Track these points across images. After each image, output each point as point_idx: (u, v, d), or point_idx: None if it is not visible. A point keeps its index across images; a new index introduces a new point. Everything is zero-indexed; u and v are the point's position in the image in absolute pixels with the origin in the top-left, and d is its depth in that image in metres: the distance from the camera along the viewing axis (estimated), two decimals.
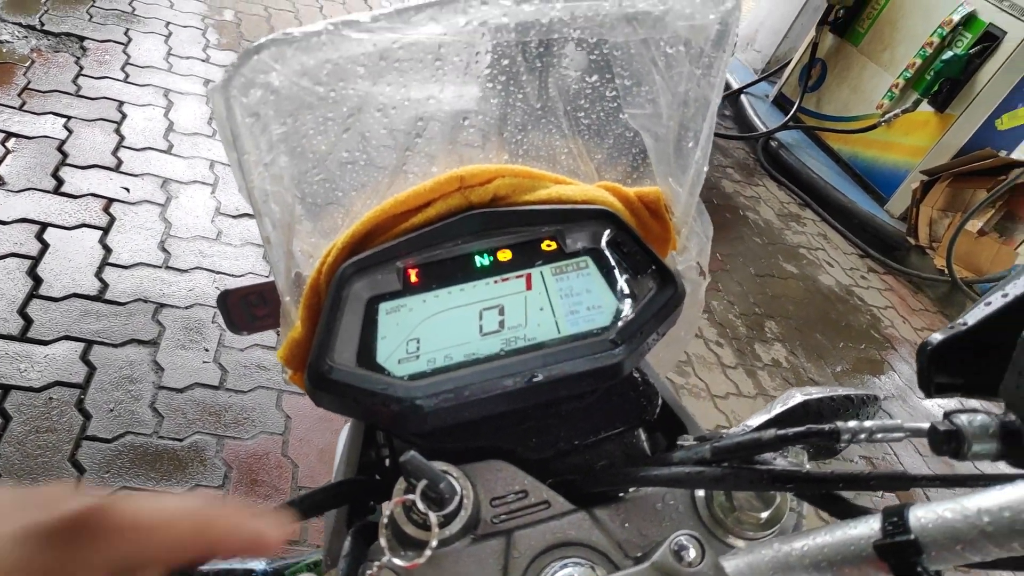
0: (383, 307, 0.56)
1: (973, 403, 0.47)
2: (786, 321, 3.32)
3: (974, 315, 0.46)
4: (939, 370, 0.47)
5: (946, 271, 3.79)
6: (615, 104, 0.61)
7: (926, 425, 0.45)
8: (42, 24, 3.16)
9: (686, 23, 0.56)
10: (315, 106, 0.52)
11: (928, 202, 4.01)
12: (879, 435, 0.46)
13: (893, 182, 4.28)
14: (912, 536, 0.39)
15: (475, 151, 0.64)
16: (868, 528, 0.42)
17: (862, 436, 0.46)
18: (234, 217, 2.62)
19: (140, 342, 2.06)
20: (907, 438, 0.46)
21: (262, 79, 0.46)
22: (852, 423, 0.46)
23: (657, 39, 0.55)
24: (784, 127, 4.71)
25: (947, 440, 0.43)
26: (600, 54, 0.58)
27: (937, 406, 3.13)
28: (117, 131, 2.77)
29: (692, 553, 0.44)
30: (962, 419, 0.43)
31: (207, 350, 2.12)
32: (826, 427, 0.46)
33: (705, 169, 0.59)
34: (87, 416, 1.83)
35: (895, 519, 0.41)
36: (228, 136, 0.47)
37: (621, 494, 0.55)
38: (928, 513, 0.40)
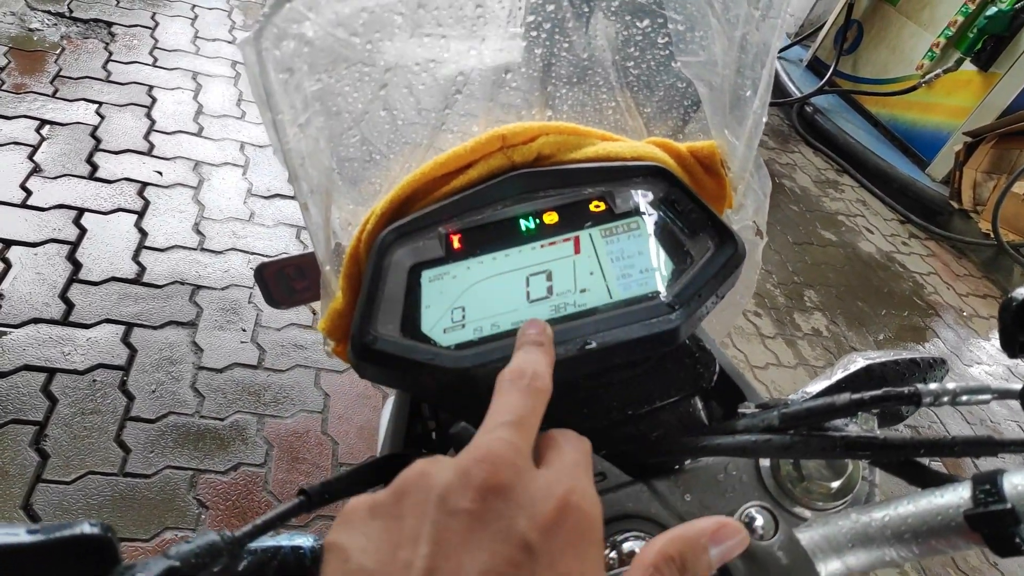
0: (426, 275, 0.54)
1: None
2: (826, 289, 3.25)
3: None
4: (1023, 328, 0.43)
5: (992, 235, 3.66)
6: (667, 52, 0.57)
7: (1018, 386, 0.41)
8: (70, 11, 3.17)
9: None
10: (351, 59, 0.49)
11: (972, 164, 3.87)
12: (964, 397, 0.43)
13: (935, 145, 4.15)
14: (1008, 505, 0.36)
15: (517, 108, 0.60)
16: (957, 497, 0.39)
17: (945, 399, 0.43)
18: (266, 198, 2.63)
19: (179, 324, 2.08)
20: (996, 400, 0.43)
21: (295, 29, 0.43)
22: (934, 385, 0.43)
23: None
24: (820, 91, 4.58)
25: None
26: None
27: (985, 373, 3.04)
28: (148, 115, 2.78)
29: (764, 525, 0.41)
30: None
31: (244, 330, 2.13)
32: (906, 390, 0.42)
33: (764, 120, 0.55)
34: (131, 397, 1.85)
35: (987, 487, 0.38)
36: (261, 94, 0.45)
37: (678, 465, 0.52)
38: None
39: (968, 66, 3.92)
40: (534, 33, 0.56)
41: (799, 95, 4.63)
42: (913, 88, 4.17)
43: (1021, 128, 3.66)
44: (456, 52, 0.54)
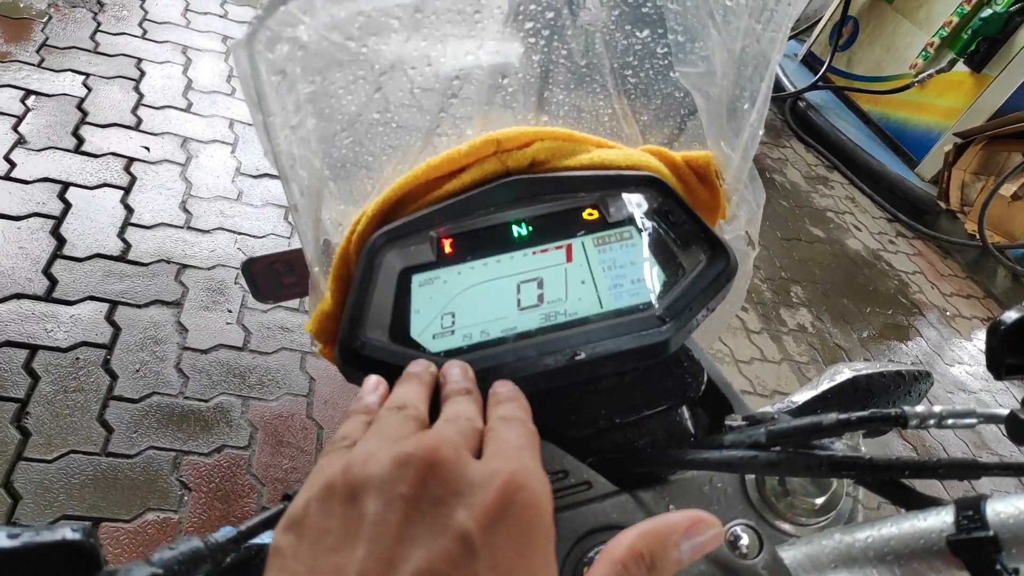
0: (416, 279, 0.54)
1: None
2: (812, 286, 3.27)
3: None
4: (1010, 350, 0.44)
5: (977, 236, 3.69)
6: (666, 62, 0.57)
7: (1004, 411, 0.42)
8: None
9: None
10: (346, 63, 0.48)
11: (961, 165, 3.90)
12: (950, 421, 0.43)
13: (925, 144, 4.17)
14: (991, 532, 0.36)
15: (513, 112, 0.60)
16: (940, 521, 0.39)
17: (931, 422, 0.43)
18: (255, 177, 2.60)
19: (164, 303, 2.06)
20: (981, 424, 0.43)
21: (289, 33, 0.42)
22: (920, 408, 0.43)
23: None
24: (813, 87, 4.58)
25: None
26: (653, 6, 0.54)
27: (966, 373, 3.08)
28: (136, 89, 2.74)
29: (748, 544, 0.42)
30: None
31: (230, 311, 2.12)
32: (892, 412, 0.43)
33: (760, 132, 0.55)
34: (114, 376, 1.84)
35: (970, 512, 0.38)
36: (253, 96, 0.44)
37: (664, 476, 0.52)
38: (1008, 507, 0.37)
39: (961, 67, 3.93)
40: (532, 39, 0.55)
41: (793, 90, 4.63)
42: (906, 87, 4.18)
43: (1010, 131, 3.68)
44: (453, 55, 0.53)
